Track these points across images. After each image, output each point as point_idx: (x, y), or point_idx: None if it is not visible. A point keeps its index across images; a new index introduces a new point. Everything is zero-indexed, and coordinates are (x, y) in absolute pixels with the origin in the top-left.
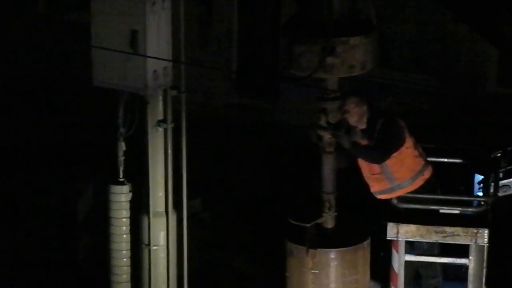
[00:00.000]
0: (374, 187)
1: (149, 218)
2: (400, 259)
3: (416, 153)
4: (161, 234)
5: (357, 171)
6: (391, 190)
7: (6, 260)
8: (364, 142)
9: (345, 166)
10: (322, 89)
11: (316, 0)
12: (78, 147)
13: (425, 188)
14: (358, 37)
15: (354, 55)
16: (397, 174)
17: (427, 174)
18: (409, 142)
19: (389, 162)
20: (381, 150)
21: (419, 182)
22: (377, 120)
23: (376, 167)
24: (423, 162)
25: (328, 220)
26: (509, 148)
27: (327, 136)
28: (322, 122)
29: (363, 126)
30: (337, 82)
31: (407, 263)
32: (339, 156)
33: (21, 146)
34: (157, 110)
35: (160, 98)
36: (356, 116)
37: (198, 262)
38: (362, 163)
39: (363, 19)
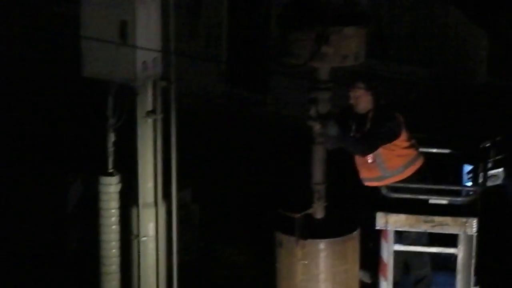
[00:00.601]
0: (364, 174)
1: (138, 209)
2: (389, 249)
3: (409, 144)
4: (150, 225)
5: (348, 157)
6: (381, 178)
7: None
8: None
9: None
10: (313, 78)
11: None
12: (67, 138)
13: (415, 177)
14: (353, 27)
15: (348, 45)
16: (389, 163)
17: (418, 163)
18: (403, 136)
19: (382, 151)
20: (367, 144)
21: (409, 172)
22: (372, 110)
23: (369, 155)
24: (415, 152)
25: (318, 210)
26: (498, 138)
27: (317, 127)
28: (312, 112)
29: (363, 111)
30: (329, 72)
31: (396, 253)
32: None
33: (9, 139)
34: (146, 101)
35: (150, 89)
36: (362, 102)
37: (187, 253)
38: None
39: (358, 10)
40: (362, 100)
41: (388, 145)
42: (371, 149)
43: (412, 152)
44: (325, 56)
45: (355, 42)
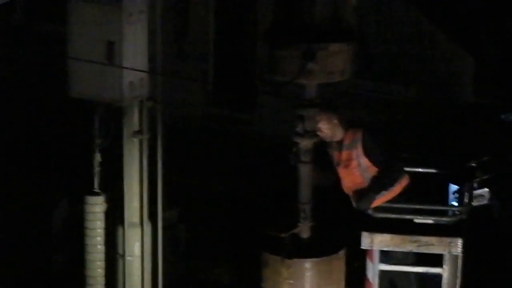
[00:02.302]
0: (354, 198)
1: (124, 229)
2: (374, 269)
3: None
4: (135, 244)
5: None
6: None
7: None
8: (337, 154)
9: (329, 184)
10: (299, 96)
11: (298, 6)
12: (53, 158)
13: (401, 197)
14: (338, 44)
15: (334, 62)
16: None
17: (404, 181)
18: None
19: (372, 171)
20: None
21: (396, 190)
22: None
23: (358, 176)
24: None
25: (304, 230)
26: (484, 158)
27: (303, 144)
28: (299, 129)
29: (337, 138)
30: (316, 89)
31: (382, 272)
32: (324, 174)
33: None
34: (133, 121)
35: (136, 109)
36: (328, 131)
37: (173, 273)
38: (344, 175)
39: (344, 27)
40: (329, 129)
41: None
42: (400, 173)
43: None
44: (311, 73)
45: (341, 59)
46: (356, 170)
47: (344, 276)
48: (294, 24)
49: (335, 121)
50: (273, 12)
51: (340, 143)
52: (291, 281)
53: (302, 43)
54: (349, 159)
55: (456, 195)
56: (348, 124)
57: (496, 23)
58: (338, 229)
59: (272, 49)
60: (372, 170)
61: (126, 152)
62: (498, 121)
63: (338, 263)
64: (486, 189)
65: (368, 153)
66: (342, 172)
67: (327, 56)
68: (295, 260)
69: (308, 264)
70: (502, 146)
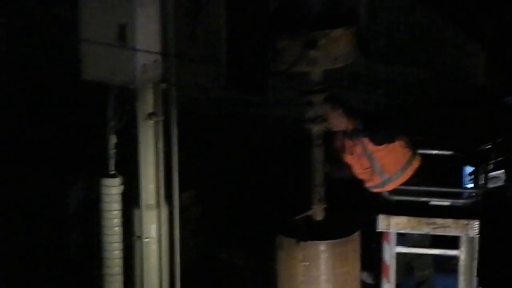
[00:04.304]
0: (367, 183)
1: (140, 211)
2: (391, 251)
3: (402, 144)
4: (152, 226)
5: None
6: (383, 184)
7: None
8: (342, 142)
9: (348, 176)
10: (306, 82)
11: None
12: (69, 141)
13: (416, 178)
14: (340, 29)
15: (337, 47)
16: (387, 167)
17: (415, 164)
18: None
19: (377, 155)
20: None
21: (409, 173)
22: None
23: (365, 162)
24: (410, 153)
25: (318, 212)
26: (498, 140)
27: (315, 129)
28: (310, 114)
29: (341, 127)
30: (322, 74)
31: (398, 254)
32: (341, 167)
33: (11, 141)
34: (147, 103)
35: (150, 91)
36: (333, 120)
37: (189, 254)
38: (353, 162)
39: (345, 10)
40: (335, 119)
41: (381, 147)
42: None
43: (407, 152)
44: (315, 60)
45: (344, 43)
46: (362, 155)
47: (359, 258)
48: (294, 12)
49: (339, 110)
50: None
51: (344, 132)
52: (306, 263)
53: (303, 32)
54: (354, 146)
55: (472, 177)
56: (350, 112)
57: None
58: (352, 211)
59: (274, 39)
60: (378, 154)
61: (141, 134)
62: (503, 104)
63: (352, 245)
64: (502, 171)
65: (371, 138)
66: (349, 159)
67: (330, 42)
68: (310, 242)
69: (322, 246)
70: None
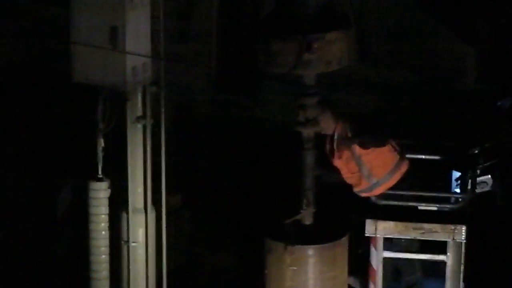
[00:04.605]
0: (356, 187)
1: (128, 215)
2: (378, 256)
3: (390, 148)
4: (140, 230)
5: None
6: (370, 188)
7: None
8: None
9: (339, 180)
10: (300, 85)
11: None
12: (57, 144)
13: (404, 182)
14: (334, 33)
15: (331, 51)
16: (375, 171)
17: (404, 168)
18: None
19: (365, 159)
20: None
21: (397, 177)
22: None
23: (353, 166)
24: (398, 157)
25: (306, 216)
26: (486, 145)
27: (305, 132)
28: (301, 118)
29: (330, 131)
30: (315, 78)
31: (386, 259)
32: (332, 171)
33: None
34: (136, 106)
35: (139, 94)
36: (324, 124)
37: (177, 258)
38: (341, 165)
39: (339, 14)
40: (324, 122)
41: (369, 150)
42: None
43: (394, 156)
44: (309, 63)
45: (338, 47)
46: (350, 159)
47: (347, 263)
48: (288, 15)
49: (329, 113)
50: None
51: (332, 135)
52: (294, 268)
53: (297, 35)
54: (342, 150)
55: (459, 182)
56: (339, 116)
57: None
58: (340, 215)
59: (267, 42)
60: (366, 158)
61: (129, 137)
62: (496, 108)
63: (341, 249)
64: (489, 176)
65: (359, 142)
66: (338, 163)
67: (324, 45)
68: (298, 246)
69: (311, 251)
70: (500, 133)
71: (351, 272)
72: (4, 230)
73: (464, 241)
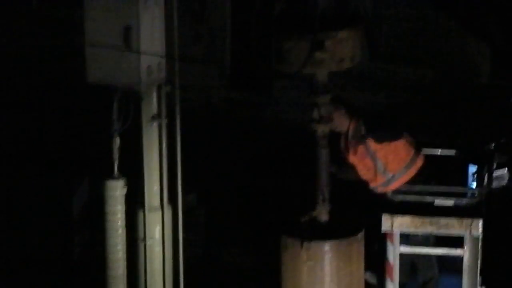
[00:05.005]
0: (371, 183)
1: (144, 213)
2: (395, 251)
3: (405, 142)
4: (156, 228)
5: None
6: (386, 183)
7: (2, 254)
8: (345, 143)
9: (354, 176)
10: (312, 83)
11: None
12: (73, 143)
13: (419, 177)
14: (346, 31)
15: (343, 49)
16: (390, 166)
17: (419, 162)
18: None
19: (380, 154)
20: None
21: (412, 171)
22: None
23: (368, 162)
24: (413, 151)
25: (322, 212)
26: (502, 140)
27: (320, 129)
28: (315, 115)
29: (344, 127)
30: (327, 76)
31: (402, 255)
32: (348, 168)
33: (16, 143)
34: (151, 105)
35: (154, 93)
36: (338, 121)
37: (193, 256)
38: (356, 161)
39: (351, 12)
40: (338, 119)
41: (384, 145)
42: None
43: (410, 151)
44: (321, 62)
45: (351, 45)
46: (364, 155)
47: (363, 259)
48: (300, 13)
49: (342, 110)
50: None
51: (346, 132)
52: (310, 264)
53: (309, 33)
54: (357, 146)
55: (475, 176)
56: (353, 112)
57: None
58: (356, 211)
59: (279, 40)
60: (380, 153)
61: (145, 136)
62: (510, 104)
63: (357, 245)
64: (505, 170)
65: (374, 138)
66: (352, 159)
67: (336, 43)
68: (314, 242)
69: (327, 247)
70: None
71: (367, 268)
72: (20, 229)
73: (481, 235)
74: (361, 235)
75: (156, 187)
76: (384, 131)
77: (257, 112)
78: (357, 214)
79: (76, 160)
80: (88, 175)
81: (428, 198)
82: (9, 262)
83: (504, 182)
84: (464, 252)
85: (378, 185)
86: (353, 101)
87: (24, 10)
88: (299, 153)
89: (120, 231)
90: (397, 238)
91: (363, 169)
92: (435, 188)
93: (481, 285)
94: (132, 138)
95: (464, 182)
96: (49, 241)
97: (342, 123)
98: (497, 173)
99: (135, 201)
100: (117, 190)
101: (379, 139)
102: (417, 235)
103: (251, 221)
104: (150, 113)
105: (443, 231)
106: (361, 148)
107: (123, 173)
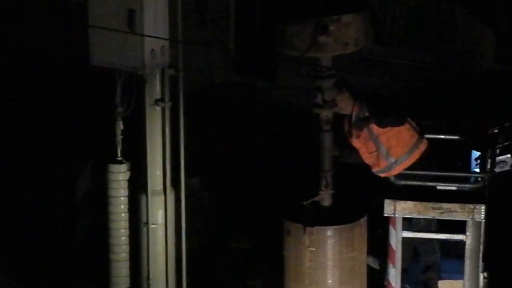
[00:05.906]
0: (374, 167)
1: (147, 197)
2: (397, 236)
3: (408, 126)
4: (159, 212)
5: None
6: (389, 168)
7: (6, 239)
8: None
9: (358, 160)
10: (317, 67)
11: None
12: (76, 127)
13: (422, 162)
14: (350, 14)
15: (347, 33)
16: (393, 150)
17: (422, 146)
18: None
19: (383, 138)
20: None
21: (415, 156)
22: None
23: (371, 146)
24: (417, 136)
25: (325, 197)
26: (506, 124)
27: (323, 114)
28: (318, 100)
29: (347, 110)
30: (331, 60)
31: (405, 239)
32: (351, 152)
33: (19, 126)
34: (154, 89)
35: (158, 77)
36: (340, 102)
37: (196, 240)
38: (359, 145)
39: None
40: (342, 102)
41: (388, 129)
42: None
43: (413, 135)
44: (325, 46)
45: (354, 29)
46: (368, 139)
47: (366, 244)
48: None
49: (346, 93)
50: None
51: (350, 115)
52: (313, 249)
53: (313, 17)
54: (360, 130)
55: (479, 161)
56: (357, 96)
57: None
58: (359, 196)
59: (283, 25)
60: (384, 137)
61: (148, 120)
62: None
63: (359, 230)
64: (509, 155)
65: (377, 122)
66: (355, 143)
67: (340, 27)
68: (317, 227)
69: (329, 232)
70: None
71: (370, 253)
72: (23, 213)
73: (484, 220)
74: (363, 220)
75: (159, 171)
76: (387, 115)
77: (260, 96)
78: (360, 199)
79: (79, 144)
80: (92, 159)
81: (431, 183)
82: (13, 246)
83: (507, 167)
84: (467, 237)
85: (381, 169)
86: (356, 85)
87: None
88: (303, 138)
89: (123, 215)
90: (399, 223)
91: (366, 153)
92: (438, 173)
93: (484, 270)
94: (135, 121)
95: (467, 167)
96: (52, 225)
97: (346, 106)
98: (500, 158)
99: (138, 185)
100: (120, 174)
101: (382, 124)
102: (419, 220)
103: (254, 205)
104: (153, 97)
105: (446, 216)
106: (364, 132)
107: (126, 157)
